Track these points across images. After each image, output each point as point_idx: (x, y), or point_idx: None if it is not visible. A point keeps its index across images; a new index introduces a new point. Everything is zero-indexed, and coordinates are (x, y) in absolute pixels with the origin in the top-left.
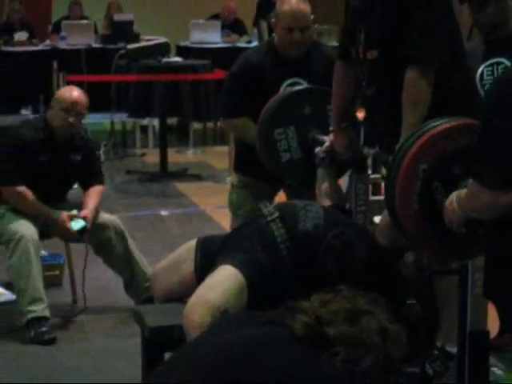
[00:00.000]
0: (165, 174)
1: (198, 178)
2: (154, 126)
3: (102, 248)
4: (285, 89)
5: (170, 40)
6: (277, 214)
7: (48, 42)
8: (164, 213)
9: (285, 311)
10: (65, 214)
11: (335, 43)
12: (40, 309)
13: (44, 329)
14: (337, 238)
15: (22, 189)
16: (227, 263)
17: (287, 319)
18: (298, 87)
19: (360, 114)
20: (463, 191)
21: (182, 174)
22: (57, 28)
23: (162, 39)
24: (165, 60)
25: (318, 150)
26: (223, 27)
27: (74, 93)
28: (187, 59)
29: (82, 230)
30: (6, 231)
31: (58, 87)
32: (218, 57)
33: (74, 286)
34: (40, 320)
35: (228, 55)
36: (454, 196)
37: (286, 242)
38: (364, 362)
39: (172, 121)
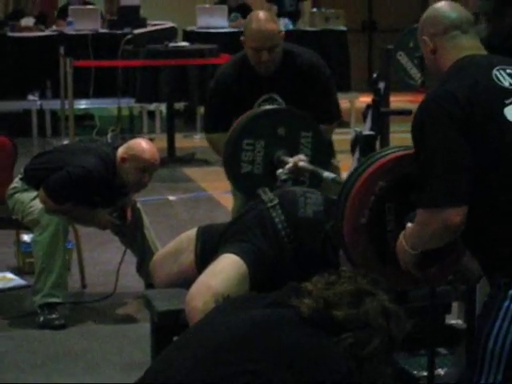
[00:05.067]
0: (172, 158)
1: (205, 162)
2: (161, 111)
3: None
4: (259, 105)
5: (176, 25)
6: (276, 201)
7: (54, 27)
8: (172, 198)
9: (289, 292)
10: (104, 214)
11: (342, 27)
12: (62, 295)
13: (54, 315)
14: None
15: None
16: (229, 252)
17: (293, 301)
18: (278, 106)
19: (366, 99)
20: (407, 229)
21: (190, 159)
22: (63, 13)
23: (168, 24)
24: (172, 45)
25: (279, 171)
26: (230, 11)
27: (154, 153)
28: (194, 44)
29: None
30: (32, 209)
31: (65, 73)
32: (225, 41)
33: (82, 270)
34: (54, 305)
35: (235, 39)
36: (401, 236)
37: (286, 229)
38: (371, 344)
39: (179, 106)
